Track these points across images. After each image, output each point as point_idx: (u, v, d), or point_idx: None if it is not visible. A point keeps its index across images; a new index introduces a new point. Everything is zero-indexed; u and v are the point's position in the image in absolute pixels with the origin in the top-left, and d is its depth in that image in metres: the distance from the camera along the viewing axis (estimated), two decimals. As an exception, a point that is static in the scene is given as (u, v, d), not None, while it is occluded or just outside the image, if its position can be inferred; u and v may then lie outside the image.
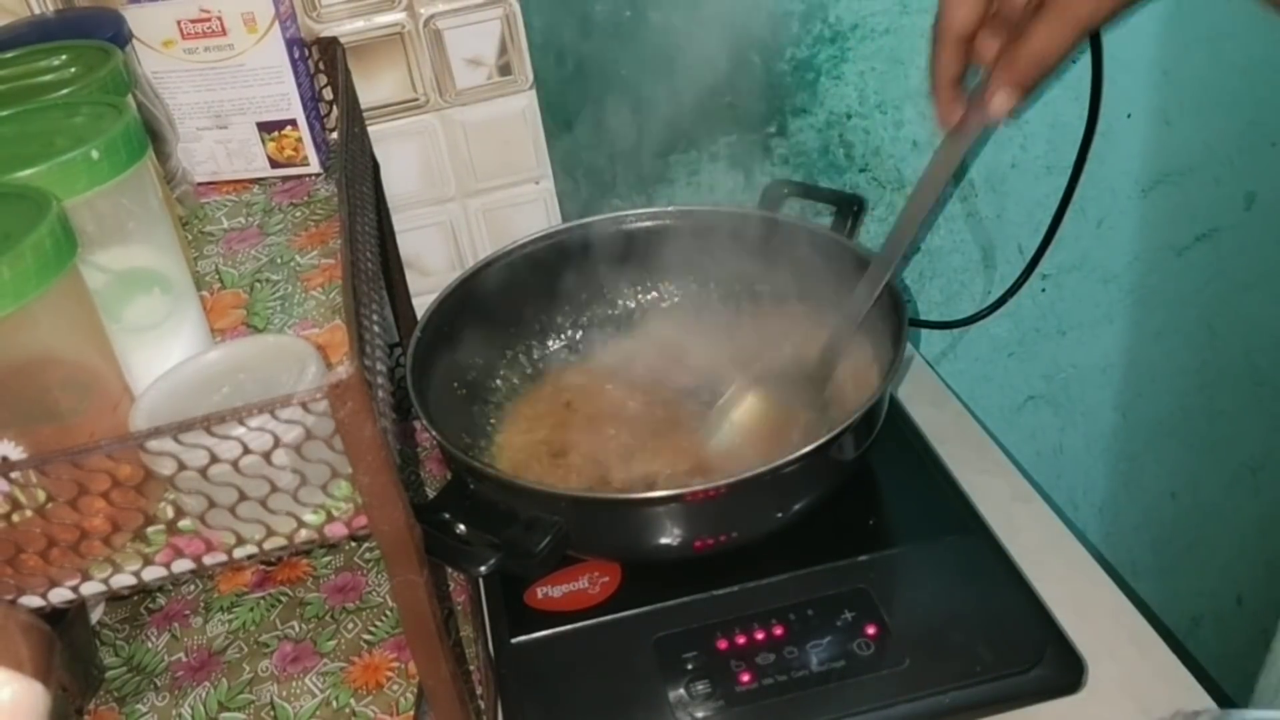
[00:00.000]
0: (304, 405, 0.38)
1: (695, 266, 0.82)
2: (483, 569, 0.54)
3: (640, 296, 0.84)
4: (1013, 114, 0.53)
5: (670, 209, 0.81)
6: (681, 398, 0.76)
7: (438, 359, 0.71)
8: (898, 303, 0.68)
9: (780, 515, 0.64)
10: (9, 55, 0.54)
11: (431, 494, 0.73)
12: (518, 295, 0.79)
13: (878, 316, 0.68)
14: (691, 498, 0.59)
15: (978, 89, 0.56)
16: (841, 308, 0.67)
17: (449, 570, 0.68)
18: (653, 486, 0.68)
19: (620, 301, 0.83)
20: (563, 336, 0.82)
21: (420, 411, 0.64)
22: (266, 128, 0.69)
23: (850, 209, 0.78)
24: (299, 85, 0.68)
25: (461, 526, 0.57)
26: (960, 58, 0.55)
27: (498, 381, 0.78)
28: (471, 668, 0.62)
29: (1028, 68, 0.51)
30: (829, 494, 0.65)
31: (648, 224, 0.80)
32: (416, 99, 0.80)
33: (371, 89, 0.78)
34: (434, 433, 0.63)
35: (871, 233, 0.95)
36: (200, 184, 0.70)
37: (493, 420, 0.76)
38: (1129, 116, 0.93)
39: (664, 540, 0.62)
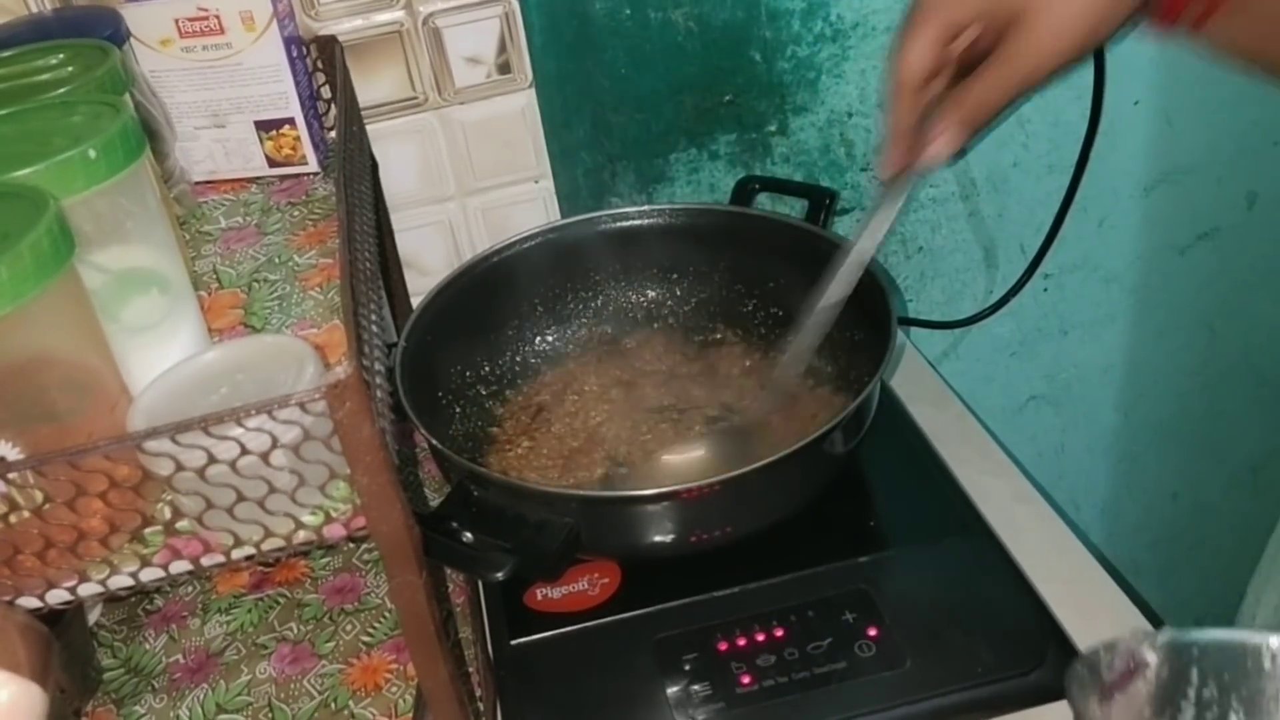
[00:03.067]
0: (302, 405, 0.38)
1: (680, 264, 0.82)
2: (500, 575, 0.54)
3: (625, 295, 0.84)
4: (955, 156, 0.54)
5: (646, 208, 0.81)
6: (674, 394, 0.76)
7: (426, 367, 0.71)
8: (885, 296, 0.68)
9: (782, 506, 0.64)
10: (6, 54, 0.54)
11: (430, 495, 0.73)
12: (502, 298, 0.79)
13: (867, 311, 0.69)
14: (699, 492, 0.59)
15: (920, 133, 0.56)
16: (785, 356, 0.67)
17: (448, 572, 0.67)
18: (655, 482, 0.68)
19: (605, 300, 0.83)
20: (551, 337, 0.82)
21: (419, 424, 0.64)
22: (264, 126, 0.69)
23: (822, 202, 0.79)
24: (297, 84, 0.68)
25: (468, 534, 0.57)
26: (918, 106, 0.55)
27: (485, 387, 0.78)
28: (471, 669, 0.62)
29: (975, 110, 0.53)
30: (825, 485, 0.65)
31: (626, 224, 0.81)
32: (415, 97, 0.80)
33: (370, 87, 0.78)
34: (435, 443, 0.63)
35: (872, 232, 0.95)
36: (198, 183, 0.70)
37: (487, 423, 0.76)
38: (1136, 103, 0.93)
39: (673, 535, 0.62)
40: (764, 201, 0.85)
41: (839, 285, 0.62)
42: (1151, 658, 0.48)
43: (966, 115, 0.53)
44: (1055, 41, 0.50)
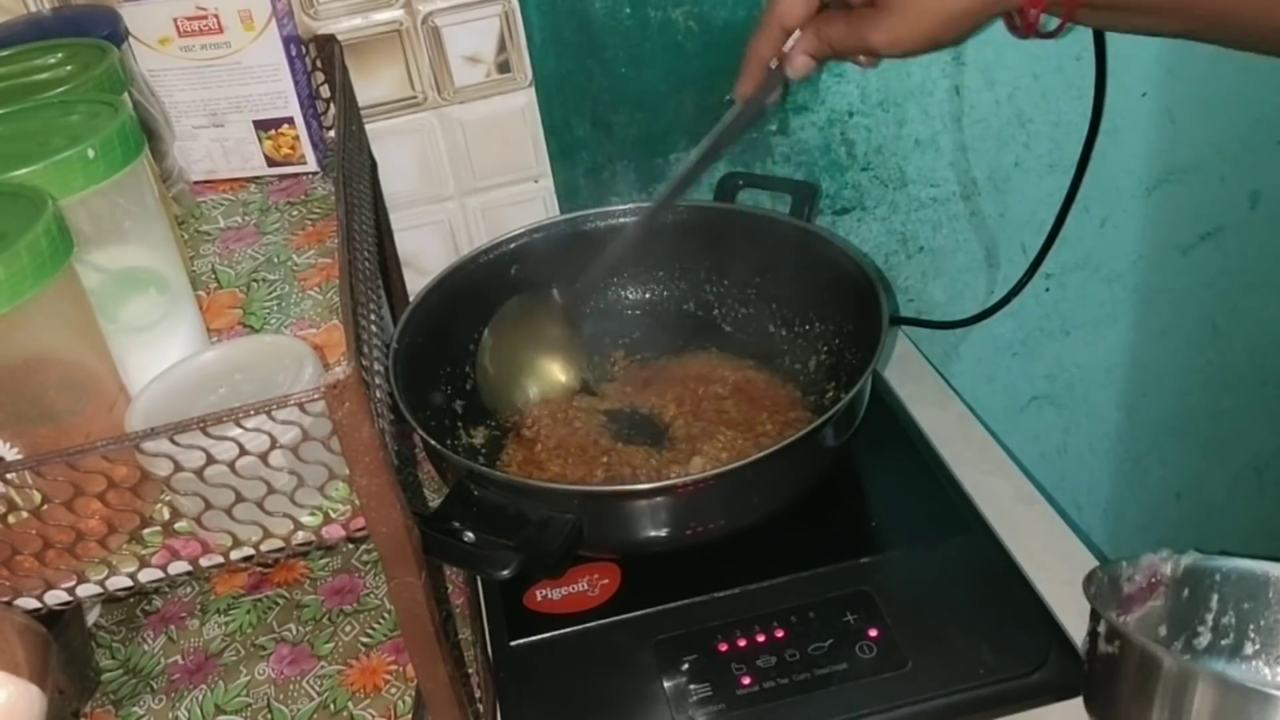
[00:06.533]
0: (301, 406, 0.38)
1: (667, 260, 0.83)
2: (506, 572, 0.54)
3: (612, 292, 0.84)
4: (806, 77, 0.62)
5: (631, 206, 0.80)
6: (663, 390, 0.76)
7: (418, 369, 0.71)
8: (874, 289, 0.68)
9: (776, 500, 0.64)
10: (5, 53, 0.54)
11: (429, 495, 0.73)
12: (487, 301, 0.78)
13: (859, 307, 0.69)
14: (695, 486, 0.59)
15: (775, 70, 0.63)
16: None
17: (447, 572, 0.67)
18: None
19: (592, 298, 0.83)
20: None
21: (417, 425, 0.63)
22: (263, 126, 0.69)
23: (805, 195, 0.79)
24: (296, 83, 0.67)
25: (470, 534, 0.56)
26: (777, 44, 0.62)
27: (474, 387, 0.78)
28: (470, 671, 0.61)
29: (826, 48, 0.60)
30: (819, 479, 0.65)
31: (611, 223, 0.80)
32: (415, 97, 0.80)
33: (369, 87, 0.78)
34: (434, 444, 0.62)
35: (873, 231, 0.95)
36: (197, 183, 0.70)
37: (480, 423, 0.76)
38: (1144, 95, 0.92)
39: (668, 529, 0.61)
40: (763, 200, 0.85)
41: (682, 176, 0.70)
42: (1172, 576, 0.48)
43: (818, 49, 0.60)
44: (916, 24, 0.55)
